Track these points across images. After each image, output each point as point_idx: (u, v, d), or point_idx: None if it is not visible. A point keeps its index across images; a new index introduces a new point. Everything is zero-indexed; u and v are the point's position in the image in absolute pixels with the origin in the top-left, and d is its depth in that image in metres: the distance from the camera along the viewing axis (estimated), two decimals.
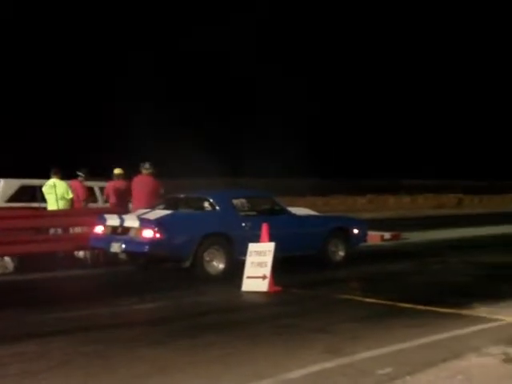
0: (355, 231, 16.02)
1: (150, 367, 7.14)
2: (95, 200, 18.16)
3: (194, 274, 13.37)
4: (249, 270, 12.22)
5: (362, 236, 16.43)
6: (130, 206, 16.43)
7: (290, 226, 14.81)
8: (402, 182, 55.98)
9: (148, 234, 13.02)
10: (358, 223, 16.79)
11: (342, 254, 15.69)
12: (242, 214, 14.48)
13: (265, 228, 12.60)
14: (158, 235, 12.96)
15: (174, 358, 7.53)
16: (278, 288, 11.97)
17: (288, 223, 14.84)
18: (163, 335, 8.71)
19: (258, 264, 12.09)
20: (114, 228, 13.92)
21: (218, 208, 14.22)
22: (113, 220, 13.99)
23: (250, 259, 12.32)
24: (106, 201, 17.56)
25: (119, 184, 16.78)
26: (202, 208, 14.46)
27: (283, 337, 8.58)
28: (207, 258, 13.45)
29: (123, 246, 13.44)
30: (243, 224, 14.03)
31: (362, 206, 41.55)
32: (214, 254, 13.56)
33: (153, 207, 15.08)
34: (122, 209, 15.63)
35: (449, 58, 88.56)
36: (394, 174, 64.02)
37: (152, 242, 12.96)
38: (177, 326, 9.37)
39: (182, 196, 15.48)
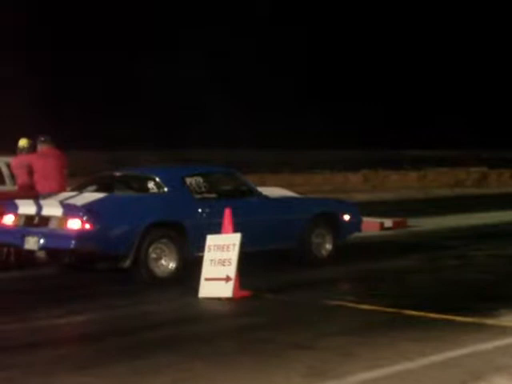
0: (346, 218, 16.13)
1: None
2: (2, 181, 18.03)
3: (136, 277, 13.42)
4: (208, 270, 12.26)
5: (356, 224, 16.53)
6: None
7: (260, 211, 14.91)
8: (407, 154, 56.30)
9: (75, 224, 13.00)
10: (350, 207, 16.91)
11: (328, 247, 15.79)
12: (198, 196, 14.54)
13: (227, 214, 12.65)
14: (87, 226, 12.96)
15: None
16: (245, 293, 12.06)
17: (258, 208, 14.94)
18: (95, 357, 8.76)
19: (220, 262, 12.13)
20: (29, 217, 13.86)
21: (166, 189, 14.24)
22: (27, 207, 13.93)
23: (208, 256, 12.37)
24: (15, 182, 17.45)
25: (27, 159, 16.62)
26: (146, 189, 14.47)
27: (252, 356, 8.69)
28: (153, 255, 13.48)
29: (41, 241, 13.40)
30: (200, 210, 14.09)
31: (354, 184, 41.71)
32: (163, 249, 13.60)
33: (66, 187, 15.27)
34: (34, 191, 15.59)
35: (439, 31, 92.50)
36: (396, 144, 64.55)
37: (80, 236, 12.94)
38: (114, 344, 9.42)
39: (118, 174, 15.49)
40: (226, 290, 11.96)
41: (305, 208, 15.93)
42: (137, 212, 13.68)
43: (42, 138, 16.31)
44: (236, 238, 12.22)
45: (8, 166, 17.82)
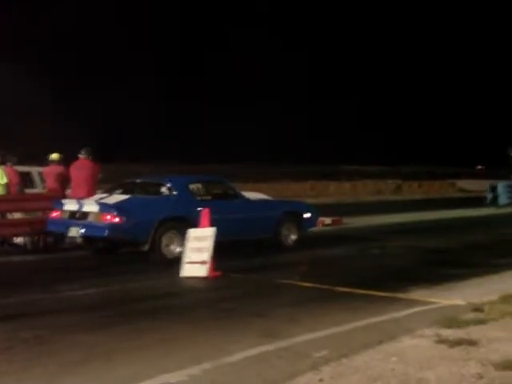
0: (307, 215, 16.32)
1: (90, 352, 7.14)
2: (33, 185, 17.95)
3: (151, 258, 13.63)
4: (188, 256, 12.23)
5: (314, 220, 16.83)
6: (68, 191, 16.32)
7: (244, 210, 15.16)
8: (343, 168, 56.42)
9: (107, 218, 13.21)
10: (310, 208, 17.15)
11: (293, 237, 16.03)
12: (199, 198, 14.71)
13: (205, 213, 12.62)
14: (117, 219, 13.16)
15: (114, 343, 7.55)
16: (217, 273, 11.99)
17: (242, 207, 15.19)
18: (104, 321, 8.71)
19: (198, 249, 12.06)
20: (73, 213, 13.98)
21: (175, 193, 14.39)
22: (71, 205, 14.08)
23: (189, 245, 12.34)
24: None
25: (56, 169, 16.61)
26: (160, 193, 14.61)
27: (222, 321, 8.68)
28: (165, 242, 13.65)
29: (82, 230, 13.58)
30: (199, 208, 14.11)
31: (304, 191, 41.79)
32: (172, 238, 13.79)
33: (94, 192, 15.17)
34: (59, 194, 15.62)
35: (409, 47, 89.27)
36: (334, 161, 64.68)
37: (111, 227, 13.19)
38: (117, 311, 9.38)
39: (139, 181, 15.70)
40: (202, 271, 11.92)
41: (277, 208, 16.19)
42: (153, 210, 13.90)
43: (82, 152, 16.16)
44: (211, 231, 12.20)
45: (39, 173, 17.81)
